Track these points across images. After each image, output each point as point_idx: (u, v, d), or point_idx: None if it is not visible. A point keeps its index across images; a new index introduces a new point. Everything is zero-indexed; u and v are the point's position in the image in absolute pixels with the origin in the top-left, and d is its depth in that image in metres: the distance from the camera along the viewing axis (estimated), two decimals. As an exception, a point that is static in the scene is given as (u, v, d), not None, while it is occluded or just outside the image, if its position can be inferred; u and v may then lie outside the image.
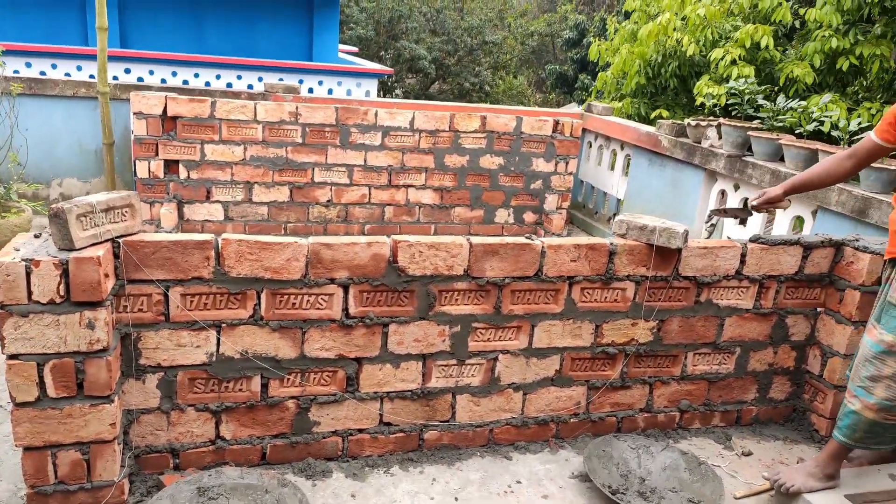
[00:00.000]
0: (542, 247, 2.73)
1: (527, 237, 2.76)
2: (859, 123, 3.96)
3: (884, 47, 6.21)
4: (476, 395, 2.85)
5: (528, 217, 6.21)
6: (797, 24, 7.12)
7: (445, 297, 2.68)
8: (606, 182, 6.39)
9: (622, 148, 6.13)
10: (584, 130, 6.63)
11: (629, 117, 7.53)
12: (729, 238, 3.04)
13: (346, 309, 2.57)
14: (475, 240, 2.66)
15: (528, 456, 2.90)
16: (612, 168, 6.33)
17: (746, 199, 3.07)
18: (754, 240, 3.03)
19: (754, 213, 3.09)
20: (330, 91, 9.74)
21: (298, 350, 2.56)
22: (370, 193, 5.75)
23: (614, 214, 6.24)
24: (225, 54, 10.56)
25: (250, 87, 9.51)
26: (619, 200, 6.15)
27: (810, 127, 4.15)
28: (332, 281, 2.52)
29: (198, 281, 2.36)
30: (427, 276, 2.62)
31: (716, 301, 3.02)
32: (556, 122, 6.00)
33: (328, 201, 5.68)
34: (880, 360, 2.47)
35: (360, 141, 5.58)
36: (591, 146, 6.68)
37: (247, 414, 2.58)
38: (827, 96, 4.57)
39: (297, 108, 5.42)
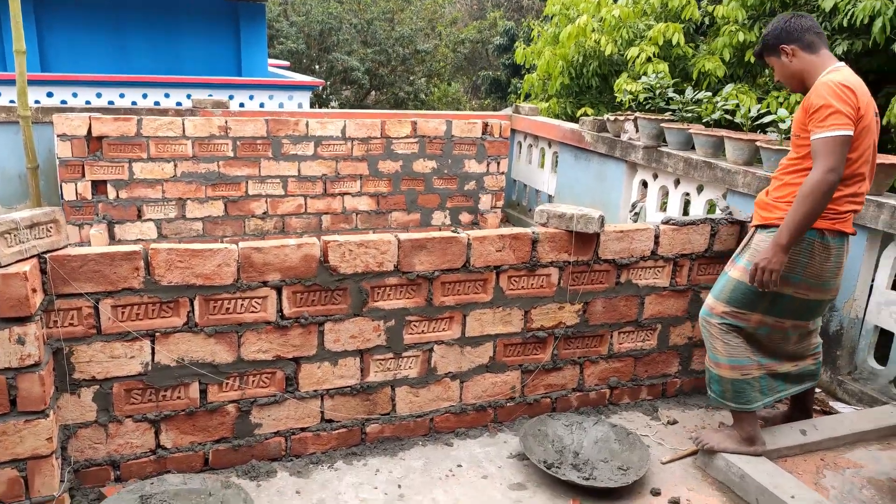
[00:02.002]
0: (468, 239, 2.85)
1: (453, 230, 2.88)
2: (759, 110, 4.26)
3: (784, 39, 6.63)
4: (414, 386, 2.95)
5: (464, 217, 6.37)
6: (707, 20, 7.51)
7: (378, 293, 2.78)
8: (537, 179, 6.60)
9: (549, 146, 6.36)
10: (513, 131, 6.83)
11: (557, 116, 7.79)
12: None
13: (280, 310, 2.64)
14: (403, 236, 2.77)
15: (468, 441, 3.02)
16: (542, 165, 6.55)
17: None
18: (665, 221, 3.24)
19: None
20: (262, 105, 9.72)
21: (235, 354, 2.61)
22: (306, 203, 5.80)
23: (547, 210, 6.45)
24: (151, 73, 10.39)
25: (179, 104, 9.38)
26: (550, 196, 6.36)
27: (716, 115, 4.43)
28: (265, 284, 2.59)
29: (128, 292, 2.39)
30: (358, 274, 2.71)
31: (635, 281, 3.21)
32: (486, 125, 6.18)
33: (264, 213, 5.70)
34: (707, 322, 2.77)
35: (293, 152, 5.63)
36: (520, 146, 6.89)
37: (187, 421, 2.61)
38: (729, 86, 4.88)
39: (226, 122, 5.43)
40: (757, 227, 2.73)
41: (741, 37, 6.82)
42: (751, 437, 2.77)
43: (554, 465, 2.79)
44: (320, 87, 16.64)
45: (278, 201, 5.72)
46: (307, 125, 5.61)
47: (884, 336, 3.45)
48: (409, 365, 2.93)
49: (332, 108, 18.26)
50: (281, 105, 9.78)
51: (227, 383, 2.63)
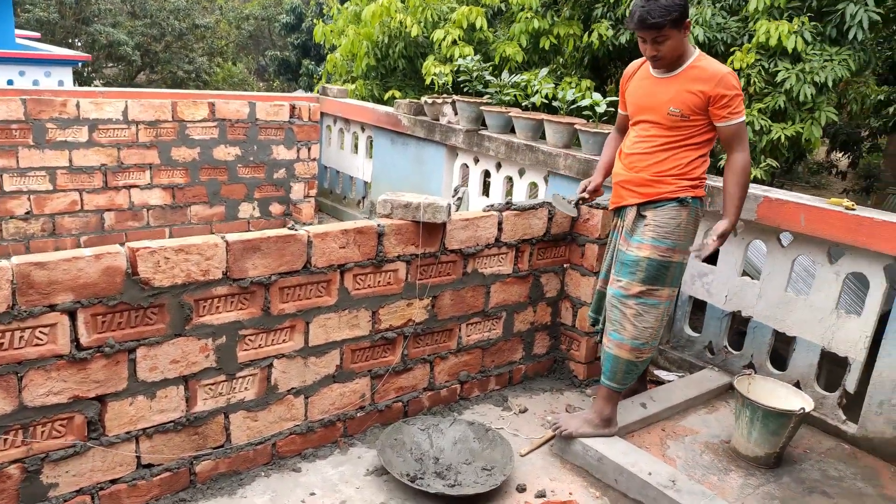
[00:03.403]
0: (308, 236, 2.50)
1: (290, 227, 2.51)
2: (573, 94, 4.39)
3: (575, 27, 7.02)
4: (252, 409, 2.54)
5: (275, 209, 5.87)
6: (503, 6, 7.71)
7: (204, 307, 2.32)
8: (351, 165, 6.29)
9: (363, 130, 6.08)
10: (322, 114, 6.43)
11: (364, 99, 7.51)
12: (487, 207, 3.13)
13: (76, 339, 2.09)
14: (232, 237, 2.34)
15: (318, 463, 2.69)
16: (356, 151, 6.25)
17: (569, 199, 3.18)
18: (506, 206, 3.15)
19: (581, 206, 3.21)
20: (10, 82, 8.11)
21: (16, 401, 2.01)
22: (82, 199, 4.90)
23: (363, 198, 6.18)
24: None
25: None
26: (366, 183, 6.10)
27: (534, 100, 4.49)
28: (53, 308, 2.02)
29: None
30: (179, 286, 2.24)
31: (481, 270, 3.09)
32: (293, 107, 5.72)
33: (27, 213, 4.72)
34: (622, 303, 2.74)
35: (62, 138, 4.71)
36: (331, 130, 6.51)
37: (-52, 498, 1.97)
38: (544, 70, 5.01)
39: (-34, 101, 4.36)
40: (643, 203, 2.72)
41: (536, 24, 7.08)
42: (609, 419, 2.80)
43: (417, 476, 2.58)
44: (79, 65, 14.56)
45: (45, 198, 4.76)
46: (78, 106, 4.72)
47: (697, 306, 3.73)
48: (246, 386, 2.51)
49: (96, 87, 16.07)
50: (36, 83, 8.25)
51: (5, 440, 2.02)
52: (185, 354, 2.32)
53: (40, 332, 2.01)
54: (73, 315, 2.06)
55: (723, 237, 2.65)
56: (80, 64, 11.71)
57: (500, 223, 3.09)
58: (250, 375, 2.51)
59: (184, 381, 2.35)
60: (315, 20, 8.19)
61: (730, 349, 3.50)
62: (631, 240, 2.75)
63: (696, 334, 3.66)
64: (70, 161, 4.78)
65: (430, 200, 2.78)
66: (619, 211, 2.88)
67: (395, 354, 2.91)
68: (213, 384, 2.42)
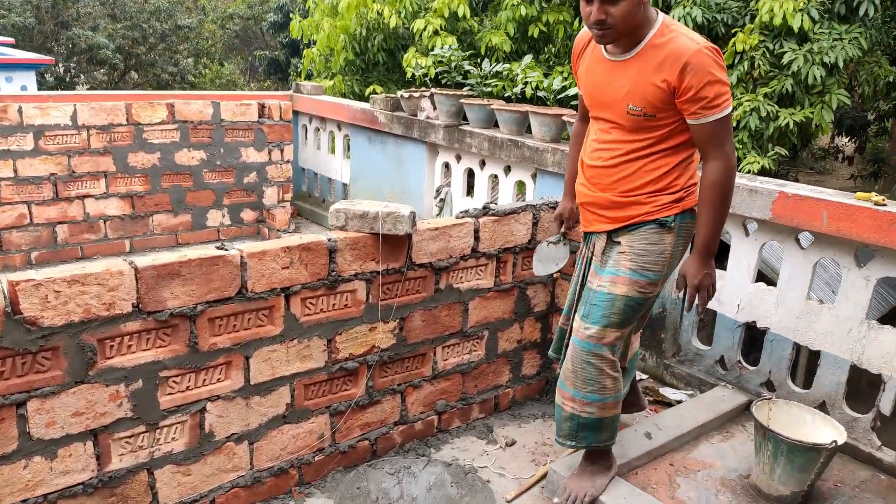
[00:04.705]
0: (241, 256, 2.11)
1: (218, 247, 2.11)
2: (561, 82, 3.98)
3: (566, 13, 6.61)
4: (183, 462, 2.15)
5: (247, 215, 5.46)
6: (489, -6, 7.31)
7: (112, 347, 1.93)
8: (329, 167, 5.89)
9: (339, 128, 5.67)
10: (296, 113, 6.02)
11: (344, 95, 7.12)
12: (461, 213, 2.73)
13: (-56, 396, 1.69)
14: (143, 262, 1.94)
15: (266, 520, 2.29)
16: (333, 151, 5.84)
17: (554, 240, 2.66)
18: (484, 210, 2.75)
19: (567, 240, 2.73)
20: (-31, 89, 7.73)
21: None
22: (31, 212, 4.51)
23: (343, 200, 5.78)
24: None
25: None
26: (345, 185, 5.70)
27: (517, 90, 4.09)
28: (-90, 359, 1.63)
29: None
30: (76, 324, 1.84)
31: (456, 285, 2.69)
32: (262, 106, 5.31)
33: (-31, 229, 4.32)
34: (597, 357, 2.20)
35: (4, 147, 4.32)
36: (306, 129, 6.10)
37: None
38: (528, 58, 4.60)
39: None
40: (614, 230, 2.21)
41: (523, 10, 6.68)
42: (612, 463, 2.39)
43: (382, 535, 2.19)
44: (61, 69, 14.19)
45: (-11, 212, 4.37)
46: (20, 111, 4.32)
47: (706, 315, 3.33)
48: (173, 436, 2.11)
49: (42, 92, 15.62)
50: (-3, 89, 7.86)
51: None
52: (90, 404, 1.92)
53: None
54: (-62, 366, 1.67)
55: (700, 286, 2.10)
56: (46, 67, 11.28)
57: (476, 231, 2.69)
58: (178, 423, 2.11)
59: (93, 436, 1.96)
60: (293, 17, 7.77)
61: (744, 364, 3.10)
62: (603, 273, 2.21)
63: (705, 347, 3.25)
64: (15, 171, 4.38)
65: (390, 209, 2.37)
66: (587, 236, 2.37)
67: (357, 386, 2.52)
68: (130, 437, 2.02)
